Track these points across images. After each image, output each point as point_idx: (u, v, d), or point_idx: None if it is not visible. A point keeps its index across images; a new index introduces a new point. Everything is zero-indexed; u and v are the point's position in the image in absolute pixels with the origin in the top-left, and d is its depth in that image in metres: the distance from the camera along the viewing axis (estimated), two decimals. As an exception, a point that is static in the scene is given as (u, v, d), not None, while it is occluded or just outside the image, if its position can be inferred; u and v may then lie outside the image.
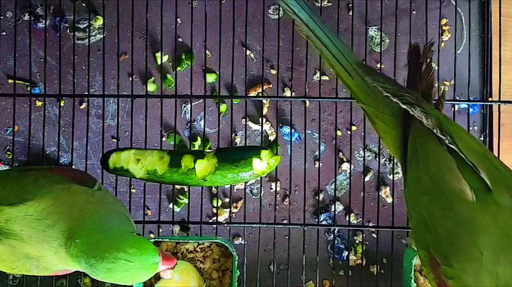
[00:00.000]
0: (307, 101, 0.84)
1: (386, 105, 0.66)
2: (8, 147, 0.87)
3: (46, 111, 0.87)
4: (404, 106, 0.64)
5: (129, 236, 0.59)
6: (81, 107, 0.88)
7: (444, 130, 0.62)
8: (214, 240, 0.78)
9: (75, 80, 0.84)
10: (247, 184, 0.86)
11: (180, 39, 0.88)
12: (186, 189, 0.86)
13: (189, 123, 0.87)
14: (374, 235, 0.86)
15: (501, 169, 0.60)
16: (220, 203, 0.87)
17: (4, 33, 0.88)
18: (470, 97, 0.82)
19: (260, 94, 0.87)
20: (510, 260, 0.54)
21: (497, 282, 0.53)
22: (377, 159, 0.87)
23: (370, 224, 0.85)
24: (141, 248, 0.58)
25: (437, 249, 0.57)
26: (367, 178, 0.87)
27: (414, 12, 0.86)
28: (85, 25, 0.86)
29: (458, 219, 0.57)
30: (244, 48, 0.88)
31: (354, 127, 0.87)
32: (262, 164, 0.76)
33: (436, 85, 0.86)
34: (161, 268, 0.60)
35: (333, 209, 0.86)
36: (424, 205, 0.61)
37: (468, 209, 0.57)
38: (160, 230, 0.84)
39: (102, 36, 0.87)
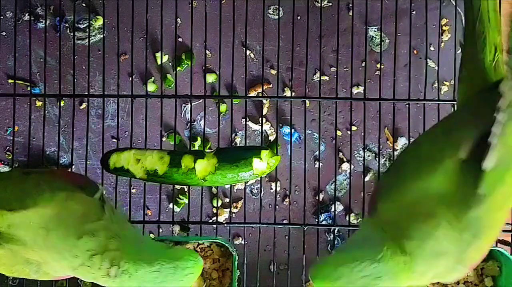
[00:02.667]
0: (307, 101, 0.84)
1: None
2: (8, 147, 0.87)
3: (46, 111, 0.87)
4: (507, 64, 0.57)
5: (184, 251, 0.63)
6: (81, 107, 0.88)
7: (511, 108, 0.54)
8: (214, 240, 0.78)
9: (75, 80, 0.84)
10: (247, 184, 0.86)
11: (180, 39, 0.88)
12: (186, 189, 0.86)
13: (189, 123, 0.87)
14: (374, 235, 0.86)
15: None
16: (220, 203, 0.87)
17: (4, 33, 0.88)
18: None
19: (260, 94, 0.87)
20: None
21: None
22: (377, 159, 0.87)
23: (370, 224, 0.85)
24: (197, 258, 0.62)
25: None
26: (367, 178, 0.87)
27: (414, 12, 0.86)
28: (85, 25, 0.86)
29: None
30: (244, 48, 0.88)
31: (354, 127, 0.87)
32: (262, 164, 0.76)
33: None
34: None
35: (333, 209, 0.86)
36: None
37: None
38: (160, 230, 0.84)
39: (102, 36, 0.87)
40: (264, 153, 0.76)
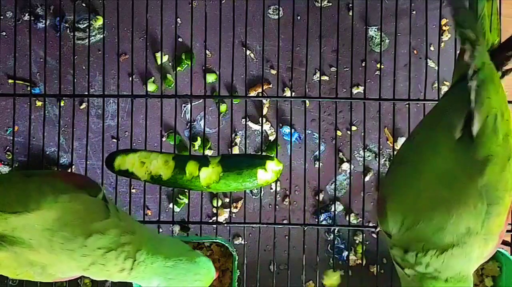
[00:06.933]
0: (307, 101, 0.84)
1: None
2: (8, 147, 0.87)
3: (46, 111, 0.87)
4: (457, 36, 0.62)
5: (201, 258, 0.66)
6: (81, 107, 0.88)
7: (477, 74, 0.58)
8: (214, 240, 0.79)
9: (75, 80, 0.84)
10: (247, 184, 0.87)
11: (180, 39, 0.88)
12: (186, 189, 0.86)
13: (189, 123, 0.87)
14: (374, 235, 0.86)
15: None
16: (220, 203, 0.87)
17: (4, 33, 0.88)
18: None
19: (260, 94, 0.87)
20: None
21: None
22: (377, 159, 0.87)
23: (370, 224, 0.85)
24: (210, 269, 0.67)
25: None
26: (367, 178, 0.87)
27: (414, 12, 0.86)
28: (85, 25, 0.86)
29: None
30: (244, 48, 0.88)
31: (354, 128, 0.87)
32: (267, 174, 0.76)
33: (436, 84, 0.86)
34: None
35: (333, 209, 0.86)
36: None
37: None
38: (160, 230, 0.84)
39: (102, 36, 0.87)
40: (270, 163, 0.76)
